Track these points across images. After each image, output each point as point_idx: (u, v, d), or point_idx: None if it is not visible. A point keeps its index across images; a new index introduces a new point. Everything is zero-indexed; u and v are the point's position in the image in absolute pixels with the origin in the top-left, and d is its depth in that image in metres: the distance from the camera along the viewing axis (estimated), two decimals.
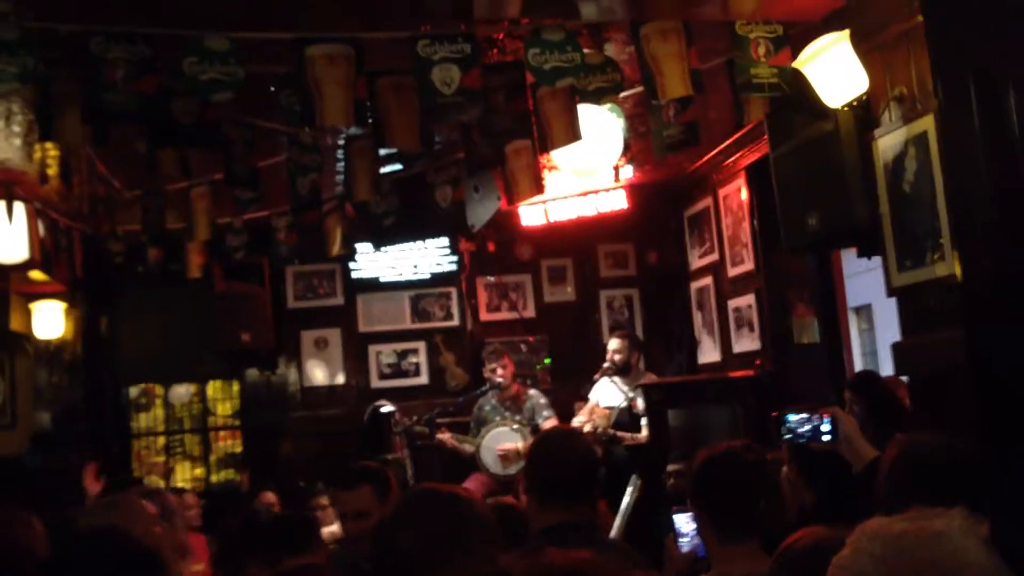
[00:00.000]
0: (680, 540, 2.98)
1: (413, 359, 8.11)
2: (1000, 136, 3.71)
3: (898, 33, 3.87)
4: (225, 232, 6.09)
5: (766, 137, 5.05)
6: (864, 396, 4.84)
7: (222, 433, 8.45)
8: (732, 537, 2.56)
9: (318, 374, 8.07)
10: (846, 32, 3.94)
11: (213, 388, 8.40)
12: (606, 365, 6.90)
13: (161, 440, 8.35)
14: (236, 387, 8.29)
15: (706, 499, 2.64)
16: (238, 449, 8.34)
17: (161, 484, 8.05)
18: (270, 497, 6.44)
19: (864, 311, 11.87)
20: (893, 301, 4.26)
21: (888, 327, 9.05)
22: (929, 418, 3.94)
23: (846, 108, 4.07)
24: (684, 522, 2.98)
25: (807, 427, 2.84)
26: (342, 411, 7.90)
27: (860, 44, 3.95)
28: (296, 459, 7.76)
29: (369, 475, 3.61)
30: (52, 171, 5.03)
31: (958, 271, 3.68)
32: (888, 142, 3.99)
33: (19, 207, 4.92)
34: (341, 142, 5.24)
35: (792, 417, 2.87)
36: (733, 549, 2.55)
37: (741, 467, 2.63)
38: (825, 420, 2.78)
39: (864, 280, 9.15)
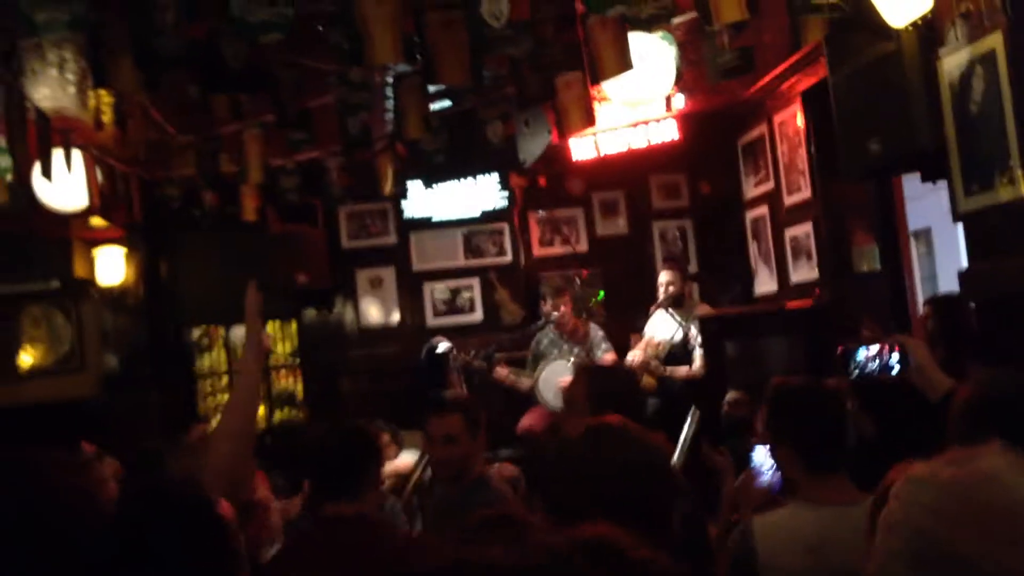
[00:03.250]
0: (756, 475, 2.96)
1: (467, 296, 8.14)
2: None
3: None
4: (278, 174, 6.13)
5: (823, 60, 4.91)
6: (941, 316, 4.77)
7: (282, 372, 8.60)
8: (821, 467, 2.54)
9: (373, 313, 8.14)
10: None
11: (272, 328, 8.51)
12: (660, 297, 6.86)
13: (224, 380, 8.52)
14: (294, 327, 8.40)
15: (791, 429, 2.60)
16: (298, 387, 8.48)
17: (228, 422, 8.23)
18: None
19: (923, 235, 11.62)
20: (952, 225, 4.16)
21: (948, 251, 8.84)
22: (996, 345, 3.87)
23: (909, 27, 3.92)
24: (760, 456, 2.95)
25: (876, 362, 2.78)
26: (398, 349, 7.97)
27: None
28: (354, 397, 7.86)
29: (461, 404, 3.72)
30: (107, 118, 5.07)
31: None
32: (953, 62, 3.85)
33: (76, 155, 4.97)
34: (390, 80, 5.19)
35: (860, 352, 2.80)
36: (823, 479, 2.54)
37: (826, 398, 2.60)
38: (894, 352, 2.72)
39: (923, 204, 8.94)
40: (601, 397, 3.09)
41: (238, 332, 8.51)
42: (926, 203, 8.14)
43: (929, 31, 3.95)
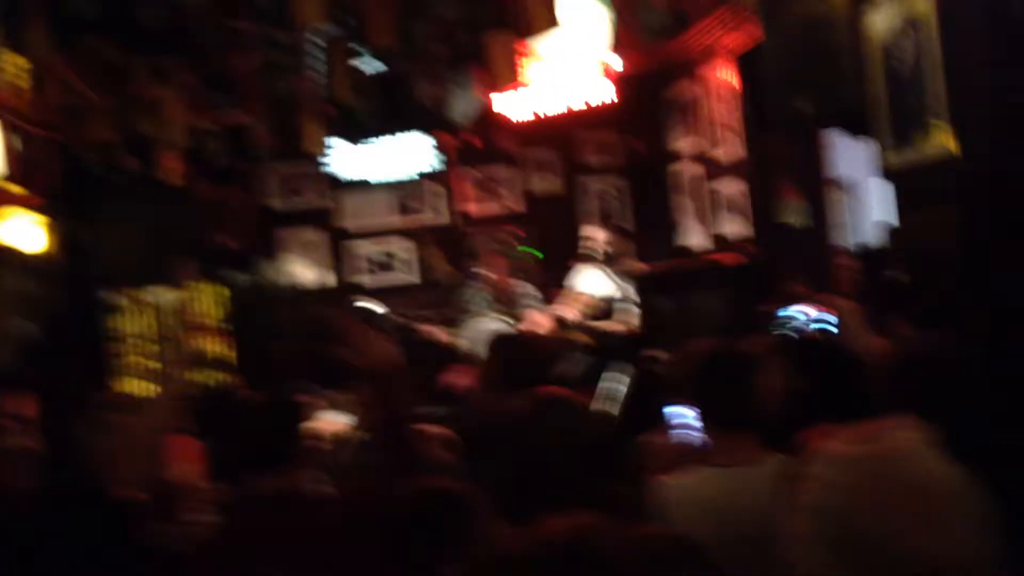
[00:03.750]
0: (671, 432, 3.00)
1: (401, 256, 8.08)
2: (998, 16, 3.64)
3: None
4: (204, 137, 5.98)
5: (754, 18, 4.93)
6: (867, 269, 4.87)
7: (211, 336, 8.44)
8: (725, 425, 2.58)
9: (305, 275, 8.04)
10: None
11: (201, 292, 8.35)
12: (592, 254, 6.86)
13: (150, 345, 8.34)
14: (223, 291, 8.25)
15: (703, 392, 2.65)
16: (229, 352, 8.35)
17: (154, 389, 8.09)
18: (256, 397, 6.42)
19: (851, 186, 11.86)
20: (878, 178, 4.24)
21: (874, 203, 9.03)
22: (922, 298, 3.96)
23: None
24: (676, 414, 2.98)
25: (808, 320, 2.84)
26: (329, 308, 7.87)
27: None
28: (287, 360, 7.76)
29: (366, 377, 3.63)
30: (23, 83, 4.87)
31: (953, 149, 3.65)
32: (883, 21, 3.90)
33: None
34: (319, 41, 5.08)
35: (791, 312, 2.86)
36: (728, 438, 2.58)
37: (729, 356, 2.63)
38: (826, 313, 2.78)
39: (848, 154, 9.08)
40: (513, 368, 3.11)
41: (165, 297, 8.33)
42: (852, 156, 8.27)
43: None
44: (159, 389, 8.10)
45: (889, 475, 1.28)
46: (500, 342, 3.42)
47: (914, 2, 3.72)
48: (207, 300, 8.33)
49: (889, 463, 1.30)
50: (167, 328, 8.31)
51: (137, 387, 7.92)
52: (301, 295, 8.04)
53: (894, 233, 4.15)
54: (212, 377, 8.34)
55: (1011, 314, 3.59)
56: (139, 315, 8.32)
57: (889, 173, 4.10)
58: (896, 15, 3.80)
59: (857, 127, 4.42)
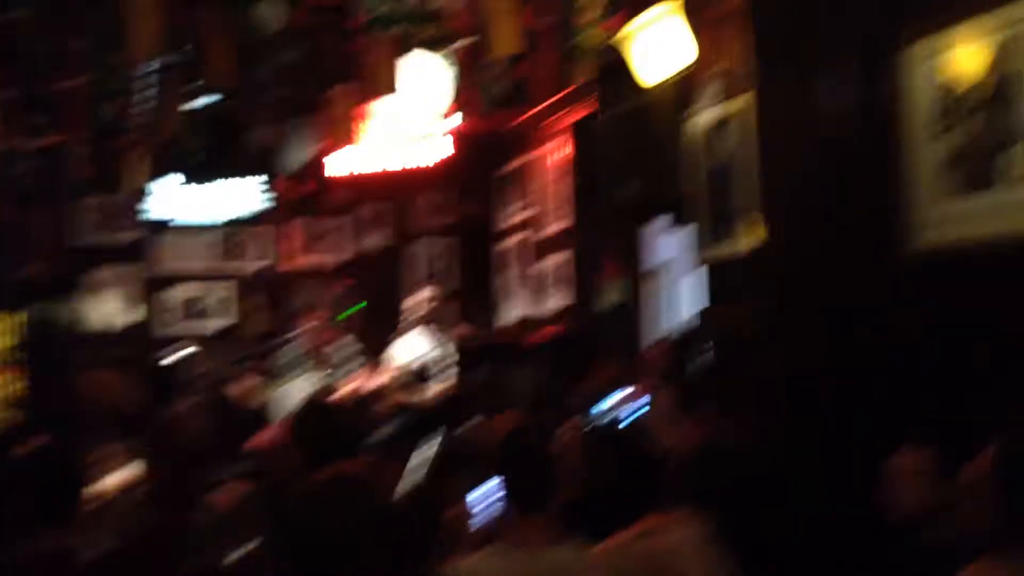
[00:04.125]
0: (476, 509, 2.98)
1: (216, 301, 7.81)
2: (808, 120, 3.93)
3: (726, 11, 3.99)
4: (14, 157, 5.63)
5: (592, 98, 5.12)
6: (679, 354, 5.04)
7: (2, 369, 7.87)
8: (524, 507, 2.60)
9: (112, 311, 7.63)
10: (677, 4, 4.02)
11: None
12: (416, 315, 6.86)
13: None
14: (19, 320, 7.71)
15: (506, 470, 2.66)
16: (20, 385, 7.79)
17: None
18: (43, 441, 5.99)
19: (670, 269, 12.34)
20: (697, 266, 4.45)
21: (694, 286, 9.44)
22: (727, 386, 4.14)
23: (670, 80, 4.17)
24: (483, 489, 2.97)
25: (618, 407, 2.90)
26: (135, 352, 7.49)
27: (689, 17, 4.05)
28: (79, 400, 7.31)
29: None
30: None
31: (764, 243, 3.88)
32: (706, 117, 4.13)
33: None
34: (153, 69, 4.91)
35: (603, 397, 2.93)
36: (527, 519, 2.59)
37: (541, 442, 2.67)
38: (635, 401, 2.85)
39: (672, 238, 9.47)
40: (320, 435, 3.07)
41: None
42: (676, 238, 8.64)
43: (687, 86, 4.22)
44: None
45: (658, 565, 1.32)
46: (311, 407, 3.37)
47: (733, 101, 3.96)
48: (1, 329, 7.78)
49: (662, 555, 1.33)
50: None
51: None
52: (105, 334, 7.62)
53: (707, 320, 4.34)
54: None
55: (815, 405, 3.81)
56: None
57: (705, 262, 4.31)
58: (717, 113, 4.04)
59: (679, 215, 4.64)
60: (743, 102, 3.92)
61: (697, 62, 4.10)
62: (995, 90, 3.43)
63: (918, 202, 3.79)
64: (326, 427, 3.24)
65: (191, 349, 6.92)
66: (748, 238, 3.96)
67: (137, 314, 7.68)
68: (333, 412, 3.36)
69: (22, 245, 7.01)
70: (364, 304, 7.99)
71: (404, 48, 4.14)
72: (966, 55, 3.54)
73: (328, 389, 6.55)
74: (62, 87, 4.55)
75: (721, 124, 4.05)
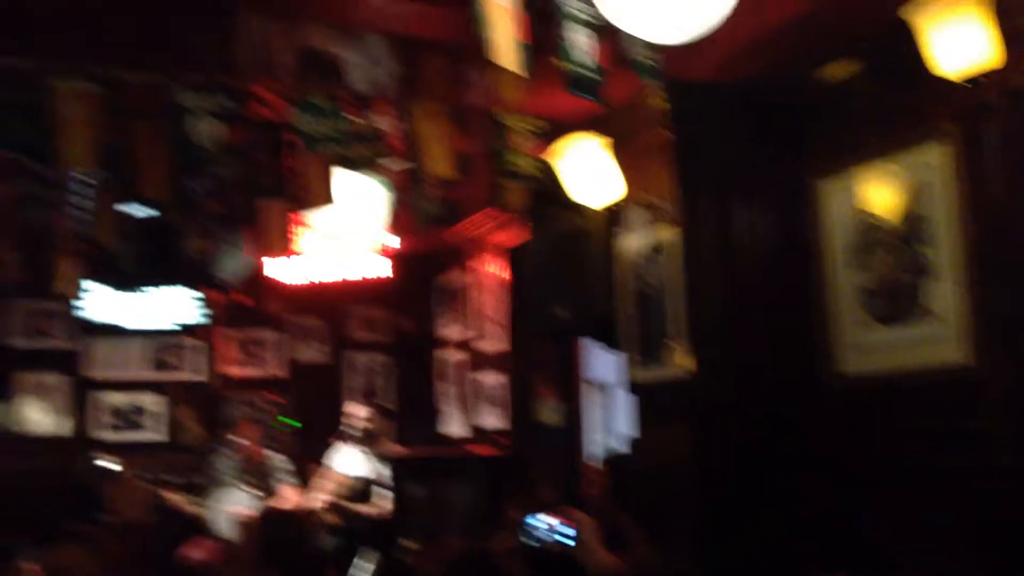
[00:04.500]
0: None
1: (148, 411, 7.63)
2: (728, 250, 4.02)
3: (649, 144, 4.12)
4: None
5: (524, 221, 5.20)
6: (614, 476, 5.00)
7: None
8: None
9: (35, 420, 7.41)
10: (604, 137, 4.14)
11: None
12: (350, 431, 6.77)
13: None
14: None
15: None
16: None
17: None
18: None
19: (604, 389, 12.34)
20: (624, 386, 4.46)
21: (624, 412, 9.46)
22: (654, 513, 4.11)
23: (597, 208, 4.26)
24: None
25: (549, 531, 2.89)
26: (59, 463, 7.25)
27: (614, 149, 4.16)
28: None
29: (79, 534, 3.38)
30: None
31: (690, 369, 3.91)
32: (633, 244, 4.20)
33: None
34: (85, 179, 4.90)
35: (535, 521, 2.91)
36: None
37: (481, 567, 2.62)
38: (567, 526, 2.84)
39: (605, 358, 9.52)
40: (272, 547, 2.99)
41: None
42: (609, 357, 8.69)
43: (614, 213, 4.31)
44: None
45: None
46: (276, 518, 3.28)
47: (661, 229, 4.05)
48: None
49: None
50: None
51: None
52: (28, 443, 7.38)
53: (635, 445, 4.33)
54: None
55: (738, 530, 3.79)
56: None
57: (634, 386, 4.32)
58: (646, 239, 4.12)
59: (609, 338, 4.67)
60: (670, 230, 4.01)
61: (624, 191, 4.20)
62: (906, 228, 3.55)
63: (838, 331, 3.87)
64: (295, 538, 3.15)
65: (115, 464, 6.74)
66: (676, 363, 3.99)
67: (65, 421, 7.46)
68: (299, 523, 3.26)
69: None
70: (295, 422, 7.86)
71: (338, 165, 4.16)
72: (879, 192, 3.68)
73: (263, 500, 6.41)
74: None
75: (650, 250, 4.12)
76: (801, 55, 3.75)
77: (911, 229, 3.53)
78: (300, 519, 3.47)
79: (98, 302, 7.33)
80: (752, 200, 4.07)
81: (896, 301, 3.61)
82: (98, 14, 3.45)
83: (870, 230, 3.72)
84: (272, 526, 3.14)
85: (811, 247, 3.95)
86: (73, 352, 7.49)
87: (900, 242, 3.58)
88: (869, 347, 3.73)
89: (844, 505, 3.74)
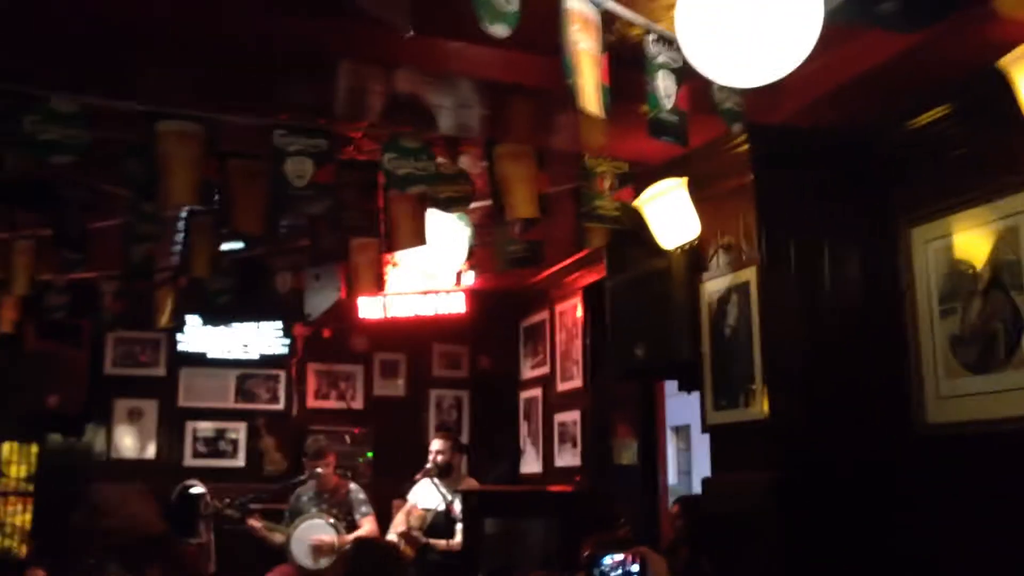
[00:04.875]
0: None
1: (232, 439, 7.85)
2: (812, 294, 4.01)
3: (731, 187, 4.14)
4: (46, 290, 5.80)
5: (603, 262, 5.25)
6: (688, 517, 4.99)
7: (11, 498, 7.87)
8: None
9: (128, 445, 7.69)
10: (684, 179, 4.17)
11: (8, 449, 7.85)
12: (428, 466, 6.84)
13: None
14: (34, 450, 7.77)
15: None
16: (27, 516, 7.77)
17: None
18: (38, 574, 5.94)
19: (683, 431, 12.25)
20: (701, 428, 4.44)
21: (704, 448, 9.38)
22: (728, 557, 4.08)
23: (678, 250, 4.28)
24: None
25: (618, 570, 2.92)
26: (149, 487, 7.49)
27: (696, 192, 4.20)
28: (92, 534, 7.26)
29: (161, 554, 3.48)
30: None
31: (767, 415, 3.89)
32: (714, 286, 4.21)
33: None
34: (183, 214, 5.11)
35: (605, 560, 2.95)
36: None
37: None
38: (636, 563, 2.86)
39: (685, 401, 9.47)
40: (364, 573, 3.06)
41: None
42: (688, 400, 8.65)
43: (696, 255, 4.33)
44: None
45: None
46: (366, 545, 3.36)
47: (741, 272, 4.05)
48: (14, 459, 7.83)
49: None
50: None
51: None
52: (120, 467, 7.64)
53: (710, 487, 4.31)
54: (4, 542, 7.72)
55: None
56: None
57: (711, 429, 4.31)
58: (726, 283, 4.12)
59: (687, 381, 4.67)
60: (750, 273, 4.01)
61: (704, 233, 4.22)
62: (998, 275, 3.51)
63: (925, 380, 3.82)
64: (385, 567, 3.22)
65: (201, 488, 6.93)
66: (754, 408, 3.97)
67: (154, 447, 7.72)
68: (390, 552, 3.33)
69: (45, 375, 7.14)
70: (372, 454, 7.99)
71: (427, 205, 4.28)
72: (971, 239, 3.64)
73: (341, 530, 6.54)
74: (95, 226, 4.74)
75: (729, 293, 4.13)
76: (890, 100, 3.75)
77: (1004, 276, 3.49)
78: (391, 549, 3.52)
79: (189, 333, 7.62)
80: (837, 245, 4.06)
81: (988, 349, 3.56)
82: (204, 64, 3.63)
83: (961, 277, 3.68)
84: (363, 554, 3.21)
85: (899, 294, 3.92)
86: (166, 380, 7.77)
87: (993, 289, 3.54)
88: (959, 396, 3.67)
89: (931, 558, 3.68)
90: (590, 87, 2.88)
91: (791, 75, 2.53)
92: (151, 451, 7.73)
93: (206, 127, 3.68)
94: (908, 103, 3.77)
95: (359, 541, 4.21)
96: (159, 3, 3.28)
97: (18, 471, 7.84)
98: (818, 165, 4.04)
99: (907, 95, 3.71)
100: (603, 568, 2.97)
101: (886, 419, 3.95)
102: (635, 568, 2.88)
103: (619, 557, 2.95)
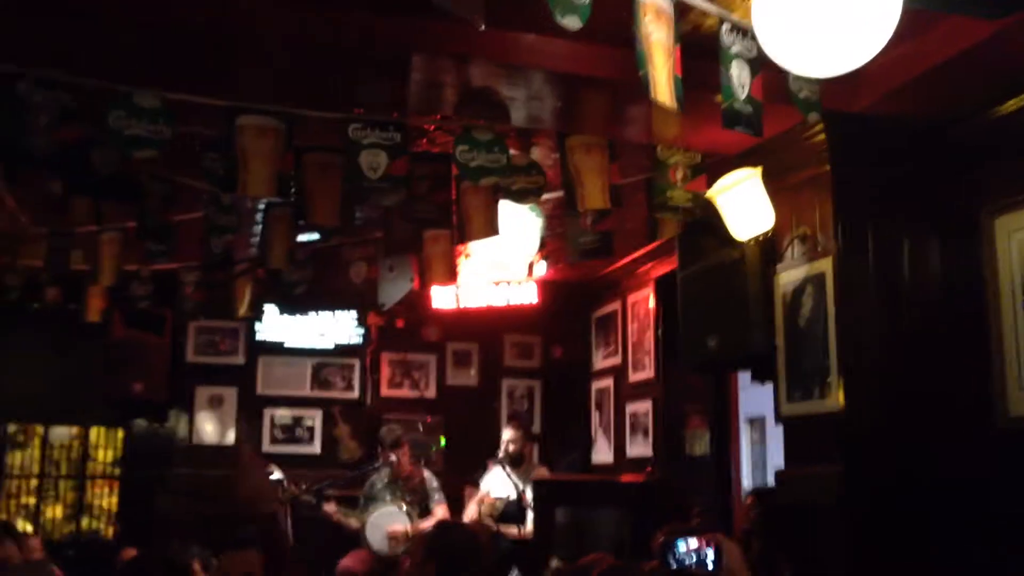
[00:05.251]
0: None
1: (308, 426, 8.00)
2: (890, 285, 3.93)
3: (806, 177, 4.08)
4: (131, 280, 5.98)
5: (674, 253, 5.21)
6: (762, 508, 4.95)
7: (99, 481, 8.15)
8: None
9: (208, 431, 7.88)
10: (758, 169, 4.13)
11: (96, 434, 8.12)
12: (500, 455, 6.90)
13: (34, 482, 8.01)
14: (120, 435, 8.03)
15: None
16: (114, 499, 8.04)
17: (28, 527, 7.72)
18: (131, 555, 6.13)
19: (757, 423, 12.09)
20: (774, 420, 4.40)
21: (778, 440, 9.26)
22: (801, 549, 4.04)
23: (752, 241, 4.24)
24: None
25: (693, 556, 2.92)
26: (228, 472, 7.70)
27: (770, 182, 4.15)
28: (173, 516, 7.49)
29: (257, 539, 3.59)
30: None
31: (841, 407, 3.84)
32: (789, 277, 4.16)
33: None
34: (261, 207, 5.23)
35: (680, 545, 2.95)
36: None
37: None
38: (710, 549, 2.86)
39: (759, 393, 9.36)
40: (446, 556, 3.12)
41: (57, 432, 8.08)
42: (762, 392, 8.55)
43: (770, 246, 4.28)
44: (35, 527, 7.75)
45: None
46: (447, 527, 3.43)
47: (816, 263, 4.00)
48: (102, 443, 8.10)
49: None
50: (54, 467, 8.02)
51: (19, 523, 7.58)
52: (201, 452, 7.85)
53: (784, 481, 4.27)
54: (92, 524, 8.00)
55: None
56: (29, 449, 8.04)
57: (784, 420, 4.27)
58: (801, 273, 4.07)
59: (761, 372, 4.62)
60: (826, 264, 3.96)
61: (779, 224, 4.17)
62: None
63: (1007, 372, 3.73)
64: (465, 548, 3.27)
65: (279, 474, 7.08)
66: (829, 400, 3.93)
67: (232, 433, 7.91)
68: (471, 536, 3.38)
69: (131, 362, 7.36)
70: (445, 442, 8.07)
71: (500, 197, 4.30)
72: None
73: (416, 518, 6.65)
74: (177, 218, 4.88)
75: (804, 284, 4.08)
76: (971, 88, 3.66)
77: None
78: (473, 533, 3.56)
79: (266, 322, 7.78)
80: (916, 236, 3.98)
81: None
82: (282, 61, 3.71)
83: None
84: (446, 536, 3.25)
85: (981, 285, 3.83)
86: (245, 368, 7.95)
87: None
88: None
89: (1009, 554, 3.59)
90: (663, 78, 2.87)
91: (869, 64, 2.49)
92: (231, 437, 7.91)
93: (284, 122, 3.75)
94: (991, 91, 3.67)
95: (442, 524, 4.27)
96: (242, 2, 3.36)
97: (105, 455, 8.11)
98: (897, 155, 3.97)
99: (990, 83, 3.61)
100: (678, 553, 2.97)
101: (966, 413, 3.87)
102: (710, 553, 2.88)
103: (694, 543, 2.95)
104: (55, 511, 8.01)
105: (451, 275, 5.06)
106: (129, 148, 3.53)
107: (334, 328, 7.92)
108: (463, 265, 6.88)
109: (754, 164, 4.13)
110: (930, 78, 3.55)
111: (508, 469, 6.85)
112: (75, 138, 3.57)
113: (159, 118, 3.53)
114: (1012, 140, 3.71)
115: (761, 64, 3.10)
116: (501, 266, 6.63)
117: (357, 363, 8.08)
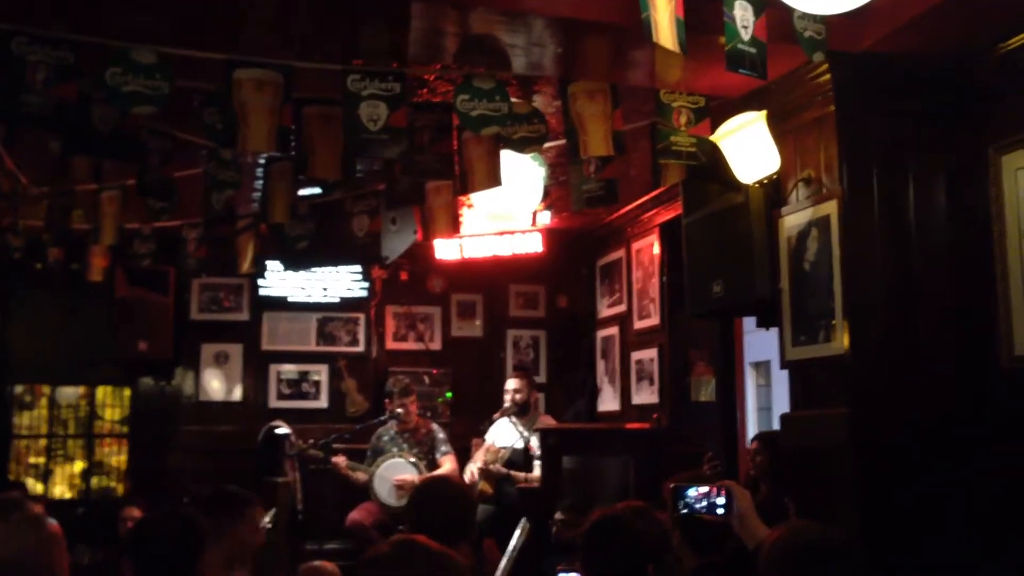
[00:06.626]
0: None
1: (314, 381, 8.04)
2: (897, 226, 3.92)
3: (811, 119, 4.04)
4: (133, 238, 5.96)
5: (678, 199, 5.19)
6: (768, 453, 4.98)
7: (107, 440, 8.21)
8: None
9: (215, 388, 7.92)
10: (763, 112, 4.09)
11: (103, 393, 8.16)
12: (506, 405, 6.94)
13: (43, 442, 8.07)
14: (127, 394, 8.07)
15: (595, 561, 2.67)
16: (123, 457, 8.11)
17: (39, 488, 7.80)
18: (134, 512, 6.18)
19: (762, 367, 12.16)
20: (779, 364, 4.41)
21: (784, 384, 9.31)
22: (808, 492, 4.07)
23: (756, 184, 4.22)
24: None
25: (703, 502, 2.93)
26: (236, 428, 7.74)
27: (775, 125, 4.11)
28: (182, 473, 7.55)
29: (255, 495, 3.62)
30: None
31: (847, 349, 3.84)
32: (793, 220, 4.15)
33: None
34: (261, 161, 5.19)
35: (690, 492, 2.96)
36: None
37: (632, 533, 2.67)
38: (720, 496, 2.87)
39: (764, 337, 9.39)
40: (425, 508, 3.15)
41: (64, 392, 8.12)
42: (767, 336, 8.56)
43: (774, 190, 4.26)
44: (45, 486, 7.83)
45: None
46: (425, 488, 3.45)
47: (822, 207, 3.98)
48: (109, 402, 8.14)
49: None
50: (62, 426, 8.07)
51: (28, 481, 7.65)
52: (207, 409, 7.90)
53: (789, 422, 4.29)
54: (101, 482, 8.07)
55: (893, 516, 3.72)
56: (36, 409, 8.08)
57: (789, 365, 4.27)
58: (805, 217, 4.05)
59: (766, 317, 4.62)
60: (831, 207, 3.94)
61: (783, 167, 4.14)
62: None
63: (1012, 311, 3.72)
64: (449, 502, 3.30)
65: (286, 429, 7.13)
66: (834, 343, 3.93)
67: (240, 390, 7.94)
68: (453, 495, 3.40)
69: (135, 320, 7.37)
70: (451, 394, 8.11)
71: (502, 147, 4.27)
72: None
73: (423, 469, 6.70)
74: (177, 175, 4.85)
75: (809, 227, 4.06)
76: (979, 24, 3.60)
77: None
78: (456, 490, 3.55)
79: (270, 277, 7.79)
80: (922, 175, 3.95)
81: None
82: (278, 11, 3.66)
83: None
84: (425, 496, 3.29)
85: (987, 223, 3.81)
86: (249, 324, 7.96)
87: None
88: None
89: (1016, 493, 3.62)
90: (665, 21, 2.83)
91: (874, 1, 2.45)
92: (237, 394, 7.95)
93: (282, 74, 3.71)
94: (999, 27, 3.62)
95: (423, 482, 4.29)
96: None
97: (113, 414, 8.16)
98: (902, 93, 3.92)
99: (997, 18, 3.56)
100: (688, 500, 2.98)
101: (971, 352, 3.87)
102: (720, 500, 2.89)
103: (704, 489, 2.96)
104: (64, 470, 8.07)
105: (454, 226, 5.05)
106: (127, 104, 3.51)
107: (338, 282, 7.93)
108: (466, 216, 6.86)
109: (758, 107, 4.09)
110: (936, 14, 3.50)
111: (514, 419, 6.89)
112: (73, 95, 3.53)
113: (156, 73, 3.50)
114: (1018, 76, 3.67)
115: (765, 3, 3.06)
116: (504, 216, 6.60)
117: (362, 317, 8.09)
